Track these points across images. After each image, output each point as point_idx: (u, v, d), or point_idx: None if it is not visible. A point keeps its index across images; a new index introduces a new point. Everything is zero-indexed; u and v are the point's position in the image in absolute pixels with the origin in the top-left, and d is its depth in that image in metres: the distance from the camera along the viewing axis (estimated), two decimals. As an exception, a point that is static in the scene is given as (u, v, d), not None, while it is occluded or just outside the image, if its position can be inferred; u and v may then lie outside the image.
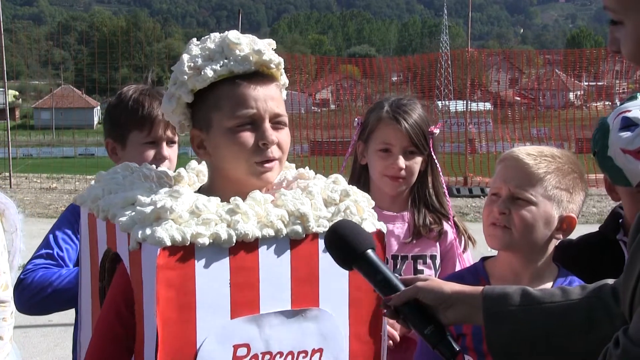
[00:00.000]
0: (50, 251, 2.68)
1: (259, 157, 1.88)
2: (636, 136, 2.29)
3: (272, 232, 1.79)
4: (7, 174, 16.63)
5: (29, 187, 16.53)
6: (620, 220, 2.52)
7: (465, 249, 2.90)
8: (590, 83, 22.24)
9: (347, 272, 1.82)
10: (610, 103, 21.57)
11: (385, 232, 1.96)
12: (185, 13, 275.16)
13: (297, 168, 2.09)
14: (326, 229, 1.83)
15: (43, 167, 20.07)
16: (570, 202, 2.27)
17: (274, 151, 1.89)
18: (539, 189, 2.22)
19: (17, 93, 55.85)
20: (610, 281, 1.69)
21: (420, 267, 2.82)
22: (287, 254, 1.81)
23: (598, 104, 21.76)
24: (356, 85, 23.74)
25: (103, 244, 1.98)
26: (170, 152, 2.78)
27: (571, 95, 24.58)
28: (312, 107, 23.56)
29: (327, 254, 1.80)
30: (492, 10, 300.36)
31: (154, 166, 2.12)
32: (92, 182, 2.08)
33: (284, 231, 1.80)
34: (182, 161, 2.85)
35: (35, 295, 2.58)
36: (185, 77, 1.89)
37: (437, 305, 1.72)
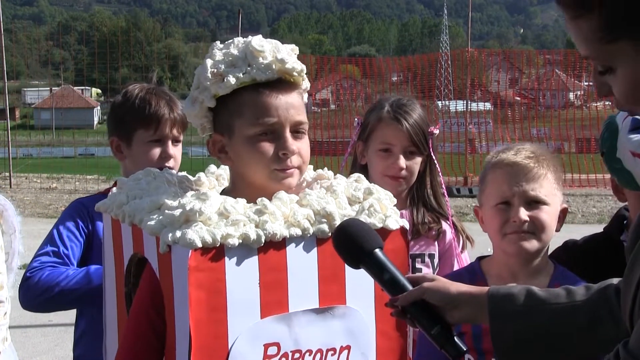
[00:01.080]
0: (56, 249, 2.68)
1: (278, 166, 1.90)
2: None
3: (299, 232, 1.81)
4: (7, 174, 16.62)
5: (29, 187, 16.53)
6: (625, 222, 2.51)
7: (463, 248, 2.91)
8: (590, 83, 22.21)
9: None
10: (610, 103, 21.53)
11: (408, 228, 1.98)
12: (185, 13, 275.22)
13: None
14: None
15: (43, 167, 20.06)
16: (561, 194, 2.31)
17: (293, 160, 1.92)
18: (547, 188, 2.24)
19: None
20: (615, 281, 1.69)
21: (418, 265, 2.82)
22: (314, 253, 1.84)
23: (598, 104, 21.74)
24: (356, 85, 23.72)
25: (129, 249, 1.99)
26: (176, 150, 2.81)
27: (571, 95, 24.56)
28: (312, 107, 23.53)
29: None
30: (492, 10, 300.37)
31: (174, 171, 2.14)
32: (114, 189, 2.10)
33: (311, 230, 1.83)
34: (181, 161, 2.87)
35: (42, 294, 2.58)
36: (208, 82, 1.91)
37: (444, 305, 1.73)
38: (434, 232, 2.86)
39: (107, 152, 2.91)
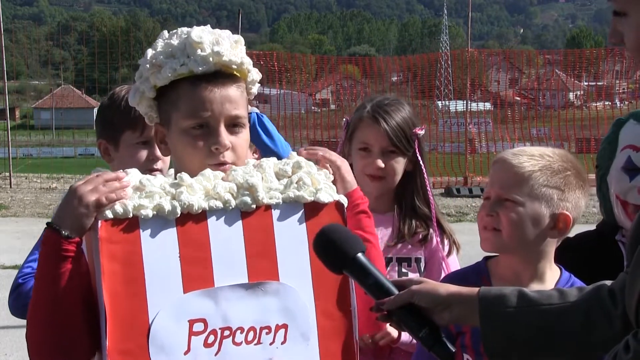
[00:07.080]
0: None
1: (211, 161, 1.87)
2: (632, 188, 2.33)
3: (219, 204, 1.78)
4: (7, 174, 16.62)
5: (29, 187, 16.52)
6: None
7: (450, 252, 2.86)
8: (590, 83, 22.22)
9: (306, 245, 1.82)
10: (610, 103, 21.57)
11: (345, 204, 1.90)
12: (185, 13, 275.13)
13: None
14: (278, 200, 1.82)
15: (43, 167, 20.05)
16: (562, 200, 2.23)
17: (226, 155, 1.89)
18: (524, 189, 2.19)
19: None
20: (608, 283, 1.69)
21: (404, 269, 2.80)
22: (239, 226, 1.80)
23: (598, 104, 21.74)
24: (356, 85, 23.70)
25: None
26: None
27: (571, 95, 24.58)
28: (312, 107, 23.52)
29: (283, 226, 1.80)
30: (492, 10, 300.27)
31: (163, 173, 2.16)
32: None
33: (233, 202, 1.79)
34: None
35: None
36: (147, 73, 1.91)
37: (433, 308, 1.72)
38: (419, 237, 2.83)
39: (107, 152, 2.89)
